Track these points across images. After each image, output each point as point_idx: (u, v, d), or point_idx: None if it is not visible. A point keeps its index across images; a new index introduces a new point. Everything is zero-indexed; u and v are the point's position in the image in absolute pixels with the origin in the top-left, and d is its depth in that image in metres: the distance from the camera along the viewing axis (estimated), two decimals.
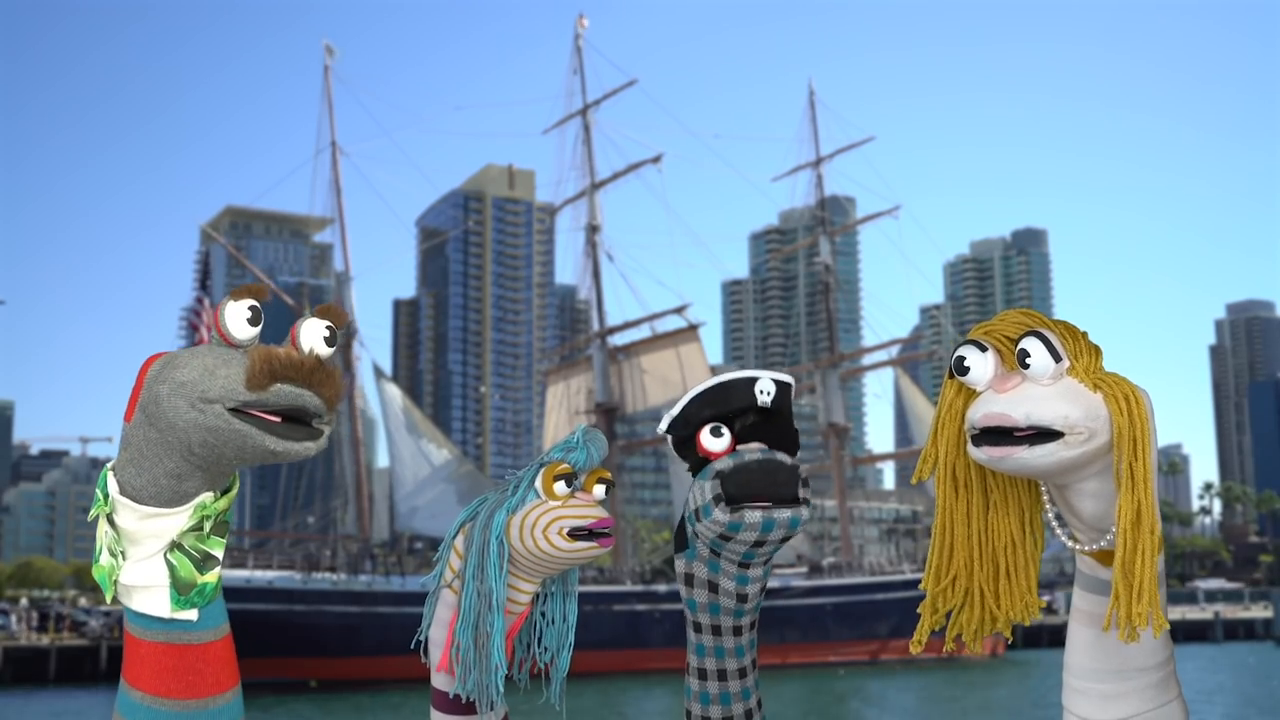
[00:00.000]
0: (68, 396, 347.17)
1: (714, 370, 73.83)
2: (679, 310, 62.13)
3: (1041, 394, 1.67)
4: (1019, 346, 1.70)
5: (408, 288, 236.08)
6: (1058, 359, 1.69)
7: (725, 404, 1.85)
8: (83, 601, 77.98)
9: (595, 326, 63.11)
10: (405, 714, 36.78)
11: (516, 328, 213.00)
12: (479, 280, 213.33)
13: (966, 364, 1.74)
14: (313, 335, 1.65)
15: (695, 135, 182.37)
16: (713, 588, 1.86)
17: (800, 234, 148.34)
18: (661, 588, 53.22)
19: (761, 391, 1.85)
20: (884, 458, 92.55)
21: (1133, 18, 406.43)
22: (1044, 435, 1.66)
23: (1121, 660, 1.77)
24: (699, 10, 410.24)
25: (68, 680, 48.88)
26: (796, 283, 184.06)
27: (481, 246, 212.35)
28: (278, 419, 1.60)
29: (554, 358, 75.95)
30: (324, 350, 1.66)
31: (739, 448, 1.83)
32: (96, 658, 50.94)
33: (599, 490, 1.94)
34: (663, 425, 1.89)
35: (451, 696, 1.94)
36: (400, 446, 59.42)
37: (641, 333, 62.95)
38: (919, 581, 1.91)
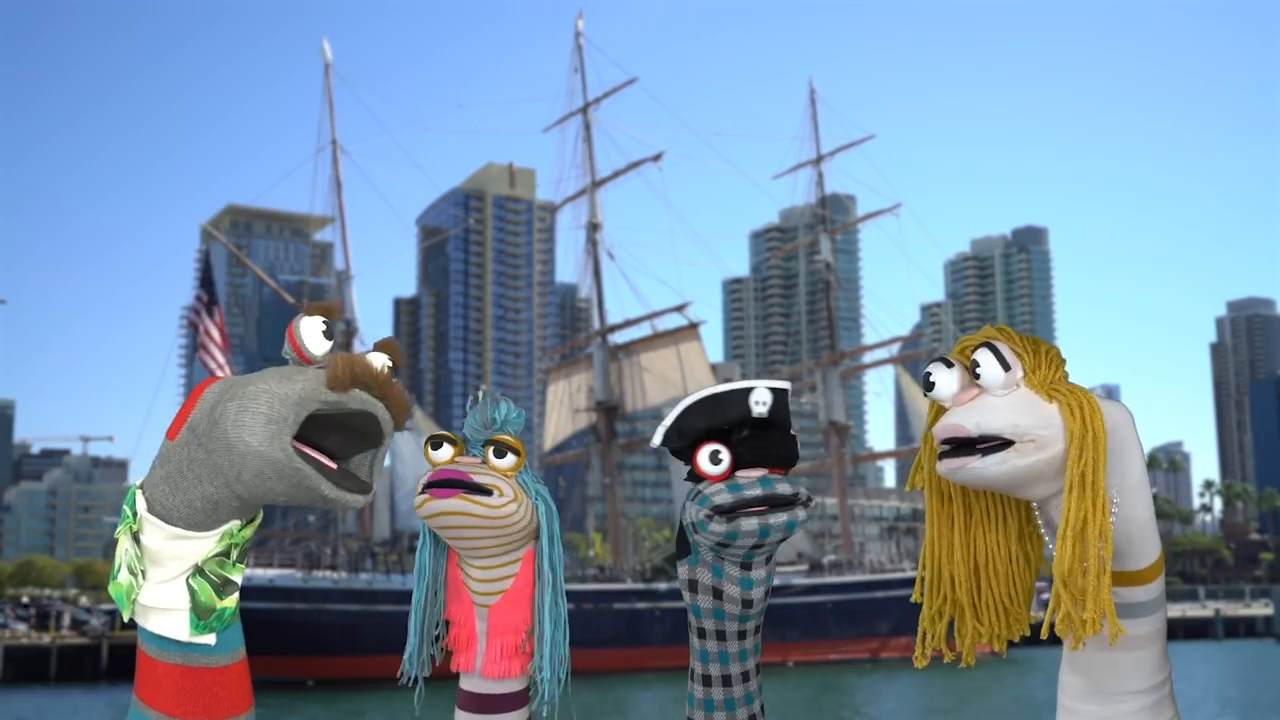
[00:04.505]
0: (68, 396, 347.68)
1: (714, 368, 73.80)
2: (679, 308, 62.02)
3: (994, 404, 1.69)
4: (971, 358, 1.73)
5: (408, 286, 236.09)
6: (1007, 368, 1.70)
7: (720, 416, 1.78)
8: (84, 600, 78.04)
9: (596, 325, 63.00)
10: (404, 713, 36.74)
11: (517, 326, 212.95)
12: (480, 279, 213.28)
13: (932, 379, 1.77)
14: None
15: (696, 133, 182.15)
16: (717, 594, 1.82)
17: (801, 232, 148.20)
18: (662, 586, 53.12)
19: (757, 403, 1.77)
20: (885, 455, 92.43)
21: (1133, 18, 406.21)
22: (999, 445, 1.68)
23: (1116, 681, 1.74)
24: (699, 9, 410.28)
25: (68, 679, 48.75)
26: (797, 281, 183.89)
27: (482, 245, 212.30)
28: (334, 466, 1.62)
29: (554, 356, 75.90)
30: None
31: (737, 475, 1.77)
32: (97, 656, 50.85)
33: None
34: (656, 439, 1.83)
35: (402, 678, 2.05)
36: (401, 445, 59.29)
37: (642, 331, 62.94)
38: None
